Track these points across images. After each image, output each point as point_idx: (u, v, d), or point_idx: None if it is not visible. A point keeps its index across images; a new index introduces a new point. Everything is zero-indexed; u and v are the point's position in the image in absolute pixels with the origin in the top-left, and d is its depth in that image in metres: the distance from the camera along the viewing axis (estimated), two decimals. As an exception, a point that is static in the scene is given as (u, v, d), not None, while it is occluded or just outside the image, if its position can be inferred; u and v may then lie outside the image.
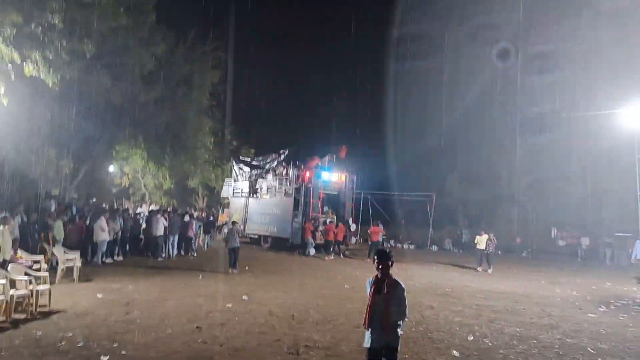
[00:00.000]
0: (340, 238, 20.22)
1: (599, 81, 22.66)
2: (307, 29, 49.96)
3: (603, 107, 14.88)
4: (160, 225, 16.30)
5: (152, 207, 24.27)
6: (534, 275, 16.64)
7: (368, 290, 4.53)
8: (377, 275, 4.51)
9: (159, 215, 16.83)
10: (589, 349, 7.14)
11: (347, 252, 21.00)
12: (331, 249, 20.02)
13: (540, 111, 27.19)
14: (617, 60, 22.06)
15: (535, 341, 7.46)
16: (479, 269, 17.01)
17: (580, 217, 27.23)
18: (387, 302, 4.35)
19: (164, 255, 16.30)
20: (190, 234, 17.85)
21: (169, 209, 18.74)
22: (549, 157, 28.70)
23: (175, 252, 16.94)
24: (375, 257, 4.53)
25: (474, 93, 31.53)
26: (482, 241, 17.03)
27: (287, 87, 42.67)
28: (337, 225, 20.48)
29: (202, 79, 21.41)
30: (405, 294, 4.46)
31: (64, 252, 11.80)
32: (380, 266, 4.47)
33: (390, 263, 4.51)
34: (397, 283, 4.47)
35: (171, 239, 16.70)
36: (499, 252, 26.16)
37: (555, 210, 28.10)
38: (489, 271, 16.60)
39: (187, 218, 18.13)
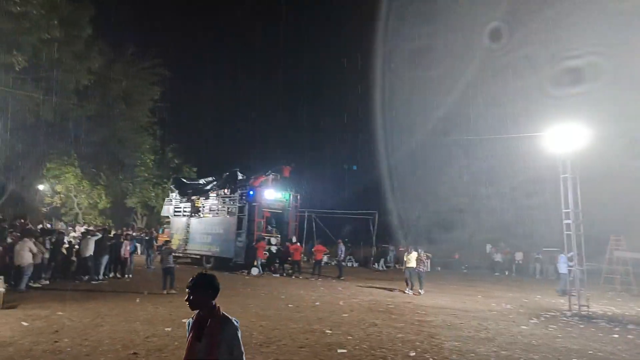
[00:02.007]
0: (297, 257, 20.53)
1: (525, 105, 24.32)
2: (252, 47, 50.17)
3: (529, 130, 15.99)
4: (90, 247, 15.49)
5: (85, 228, 23.03)
6: (470, 291, 17.30)
7: (187, 335, 3.16)
8: (197, 314, 3.17)
9: (88, 236, 16.03)
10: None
11: (290, 272, 20.90)
12: (295, 268, 20.32)
13: (474, 134, 28.65)
14: (535, 88, 23.83)
15: (473, 354, 7.73)
16: (408, 290, 15.54)
17: (512, 233, 28.76)
18: (210, 351, 3.02)
19: (97, 278, 15.45)
20: (124, 255, 17.09)
21: (96, 229, 17.80)
22: (484, 177, 30.23)
23: (102, 275, 16.05)
24: (187, 288, 3.16)
25: (415, 118, 32.79)
26: (411, 259, 15.75)
27: (231, 106, 42.41)
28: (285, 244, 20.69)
29: (141, 95, 20.77)
30: (239, 334, 3.15)
31: (-15, 277, 10.87)
32: (194, 300, 3.13)
33: (209, 294, 3.18)
34: (225, 322, 3.14)
35: (101, 261, 15.86)
36: (439, 268, 27.19)
37: (490, 227, 29.51)
38: (421, 292, 15.37)
39: (120, 238, 17.39)
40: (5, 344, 7.48)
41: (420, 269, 15.65)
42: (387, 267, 27.73)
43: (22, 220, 18.13)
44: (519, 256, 26.76)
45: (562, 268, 15.71)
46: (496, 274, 25.89)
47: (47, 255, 14.53)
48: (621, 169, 20.82)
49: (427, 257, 16.21)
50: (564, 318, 11.79)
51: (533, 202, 26.86)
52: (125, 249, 17.13)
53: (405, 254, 16.25)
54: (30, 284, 13.38)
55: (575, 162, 12.62)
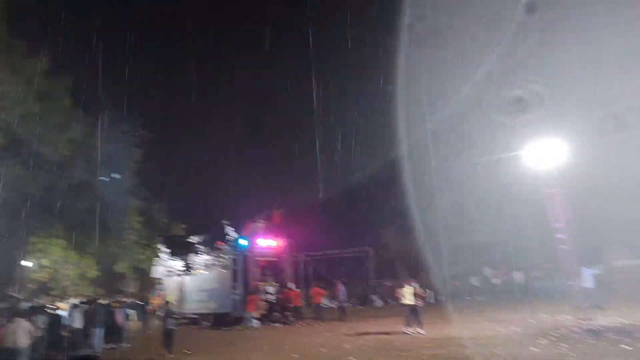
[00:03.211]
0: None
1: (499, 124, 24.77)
2: (232, 95, 50.99)
3: (507, 150, 16.30)
4: (76, 319, 15.00)
5: (74, 300, 22.36)
6: (476, 317, 17.01)
7: None
8: None
9: (67, 308, 15.57)
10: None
11: (292, 319, 20.40)
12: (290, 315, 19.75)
13: (456, 159, 29.07)
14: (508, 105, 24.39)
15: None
16: (407, 329, 13.94)
17: (508, 255, 28.70)
18: None
19: (89, 351, 14.85)
20: (118, 323, 16.54)
21: (85, 300, 17.29)
22: (472, 201, 30.42)
23: (101, 346, 15.45)
24: None
25: (396, 146, 33.19)
26: (407, 294, 14.27)
27: (216, 157, 42.57)
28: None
29: (124, 158, 20.79)
30: None
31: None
32: None
33: None
34: None
35: (95, 332, 15.28)
36: (444, 298, 26.78)
37: (484, 251, 29.45)
38: (422, 332, 13.75)
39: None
40: None
41: (418, 305, 14.15)
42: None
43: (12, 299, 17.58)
44: (518, 276, 26.60)
45: (588, 282, 15.48)
46: (516, 295, 25.34)
47: (39, 334, 13.97)
48: (610, 179, 21.14)
49: (425, 292, 14.85)
50: (573, 335, 11.62)
51: (524, 221, 27.01)
52: (119, 316, 16.59)
53: (400, 290, 14.69)
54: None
55: (562, 175, 12.82)
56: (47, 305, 18.37)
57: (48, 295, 26.71)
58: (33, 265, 26.45)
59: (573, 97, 20.14)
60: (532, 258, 26.21)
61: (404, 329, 14.00)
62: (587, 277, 15.52)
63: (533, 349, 10.21)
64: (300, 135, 38.93)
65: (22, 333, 12.61)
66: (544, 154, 12.62)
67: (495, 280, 27.92)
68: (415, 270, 25.81)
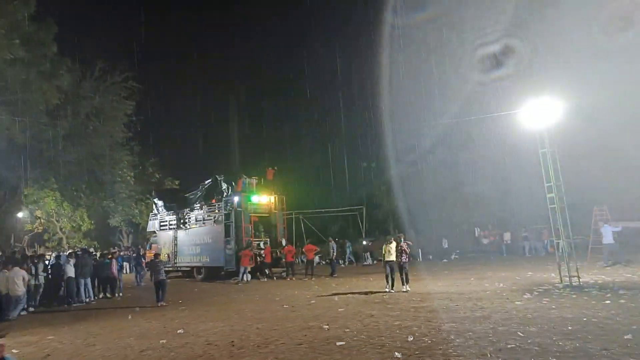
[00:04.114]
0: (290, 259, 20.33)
1: (498, 83, 24.54)
2: (228, 50, 49.90)
3: (506, 109, 16.13)
4: (68, 269, 15.22)
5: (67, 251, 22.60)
6: (463, 274, 17.40)
7: None
8: None
9: (67, 259, 15.77)
10: (519, 333, 7.52)
11: (283, 274, 20.79)
12: (289, 270, 20.07)
13: (452, 116, 28.86)
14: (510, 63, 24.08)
15: (470, 333, 7.74)
16: (389, 288, 13.40)
17: (498, 214, 29.07)
18: None
19: (80, 300, 15.17)
20: (111, 274, 16.80)
21: (77, 251, 17.44)
22: (465, 160, 30.48)
23: (91, 296, 15.78)
24: None
25: (394, 104, 32.91)
26: (391, 251, 13.61)
27: (209, 111, 42.10)
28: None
29: (114, 110, 20.39)
30: None
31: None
32: None
33: None
34: None
35: (83, 282, 15.56)
36: (430, 256, 27.34)
37: (476, 210, 29.78)
38: (407, 289, 13.25)
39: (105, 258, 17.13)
40: (-6, 373, 7.25)
41: (403, 261, 13.45)
42: (343, 263, 27.37)
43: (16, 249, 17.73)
44: (507, 236, 27.08)
45: (608, 239, 16.03)
46: (504, 255, 25.81)
47: (32, 282, 14.21)
48: (601, 140, 21.17)
49: (409, 247, 13.80)
50: (557, 290, 11.92)
51: (516, 181, 27.19)
52: (112, 268, 16.84)
53: (384, 244, 13.98)
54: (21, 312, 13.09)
55: (554, 135, 12.79)
56: (44, 255, 18.57)
57: (44, 246, 26.98)
58: (27, 217, 26.57)
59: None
60: (522, 218, 26.56)
61: (386, 288, 13.47)
62: (608, 234, 16.11)
63: (517, 302, 10.48)
64: (295, 91, 38.41)
65: (18, 280, 12.87)
66: (538, 112, 12.54)
67: (484, 240, 28.43)
68: (405, 229, 26.16)
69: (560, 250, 13.01)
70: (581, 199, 19.47)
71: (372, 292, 13.60)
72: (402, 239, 13.91)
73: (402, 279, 13.42)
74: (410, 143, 32.13)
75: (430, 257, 27.28)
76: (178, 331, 9.46)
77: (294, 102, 39.15)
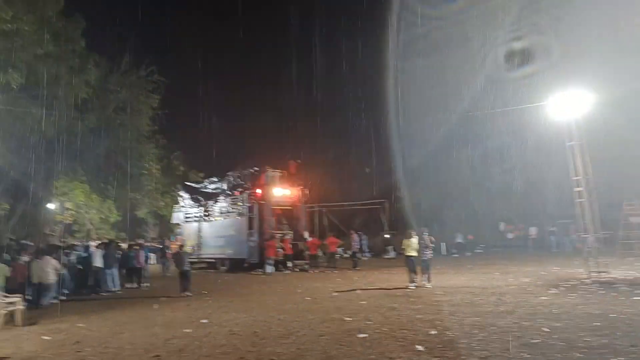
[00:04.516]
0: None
1: (523, 75, 23.97)
2: (250, 45, 50.16)
3: (530, 101, 15.77)
4: (97, 259, 15.65)
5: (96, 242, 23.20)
6: (487, 269, 17.19)
7: None
8: None
9: (94, 249, 16.24)
10: (544, 328, 7.40)
11: (306, 267, 20.92)
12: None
13: (477, 108, 28.36)
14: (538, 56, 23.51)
15: (494, 327, 7.66)
16: (412, 284, 12.74)
17: (524, 209, 28.55)
18: None
19: (109, 289, 15.61)
20: (138, 264, 17.19)
21: (104, 242, 17.94)
22: (490, 154, 29.97)
23: (118, 285, 16.21)
24: None
25: (416, 97, 32.56)
26: (412, 246, 12.93)
27: (234, 103, 42.46)
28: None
29: (140, 104, 20.75)
30: None
31: (4, 296, 11.00)
32: None
33: None
34: None
35: (110, 272, 15.99)
36: (454, 250, 27.04)
37: (501, 205, 29.30)
38: (428, 285, 12.75)
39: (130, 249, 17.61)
40: (29, 358, 7.53)
41: (426, 256, 12.94)
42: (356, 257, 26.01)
43: (36, 240, 18.34)
44: (533, 231, 26.58)
45: None
46: (530, 249, 25.29)
47: (63, 271, 14.66)
48: (632, 133, 20.51)
49: (427, 243, 13.13)
50: (584, 286, 11.67)
51: (542, 174, 26.61)
52: (138, 259, 17.24)
53: (404, 240, 13.35)
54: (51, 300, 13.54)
55: (582, 128, 12.47)
56: (74, 245, 19.10)
57: (73, 236, 27.72)
58: (57, 208, 27.32)
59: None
60: (549, 213, 26.03)
61: (409, 284, 12.84)
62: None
63: (542, 297, 10.31)
64: (320, 85, 38.32)
65: (50, 269, 13.31)
66: (566, 104, 12.23)
67: (509, 234, 27.99)
68: (429, 223, 25.95)
69: (589, 246, 12.71)
70: (610, 194, 18.95)
71: (394, 286, 13.57)
72: (425, 234, 13.34)
73: (424, 274, 12.96)
74: (434, 135, 31.76)
75: (454, 251, 27.00)
76: (202, 321, 9.64)
77: (318, 94, 39.09)
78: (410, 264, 12.97)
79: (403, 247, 13.33)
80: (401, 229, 30.09)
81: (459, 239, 27.37)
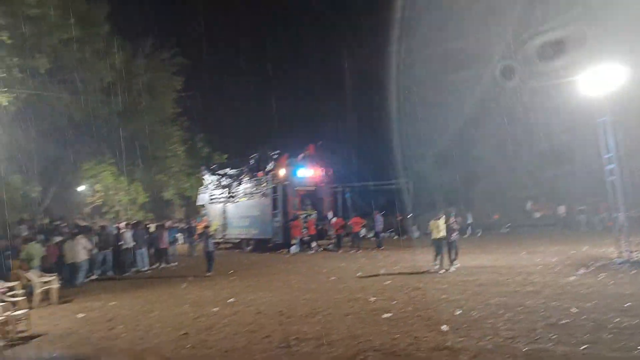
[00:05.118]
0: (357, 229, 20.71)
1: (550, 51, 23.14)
2: (270, 28, 49.81)
3: (560, 77, 15.19)
4: (126, 239, 16.11)
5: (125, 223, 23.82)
6: (514, 249, 16.94)
7: None
8: None
9: (123, 230, 16.68)
10: (572, 309, 7.29)
11: (330, 247, 21.05)
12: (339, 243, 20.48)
13: (503, 87, 27.63)
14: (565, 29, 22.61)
15: (520, 307, 7.58)
16: (439, 266, 12.24)
17: (552, 187, 27.89)
18: None
19: (133, 269, 16.05)
20: (163, 245, 17.57)
21: (132, 223, 18.42)
22: (515, 131, 29.27)
23: (146, 265, 16.65)
24: None
25: (442, 74, 31.92)
26: (439, 227, 12.38)
27: (254, 87, 42.45)
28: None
29: (164, 87, 20.96)
30: None
31: (40, 275, 11.44)
32: None
33: None
34: None
35: (139, 253, 16.43)
36: (479, 231, 26.71)
37: (528, 183, 28.71)
38: (454, 267, 12.34)
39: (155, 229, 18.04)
40: (65, 334, 7.85)
41: (453, 238, 12.42)
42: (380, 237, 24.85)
43: (68, 221, 18.95)
44: (561, 210, 26.01)
45: None
46: (559, 228, 24.73)
47: (94, 252, 15.13)
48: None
49: (452, 225, 12.58)
50: (614, 266, 11.39)
51: (572, 153, 25.88)
52: (163, 239, 17.60)
53: (432, 220, 12.74)
54: (84, 279, 14.02)
55: (615, 104, 11.99)
56: (104, 226, 19.66)
57: (103, 218, 28.54)
58: (87, 190, 28.09)
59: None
60: (578, 191, 25.38)
61: (434, 265, 12.39)
62: None
63: (570, 277, 10.13)
64: (342, 64, 37.84)
65: (81, 250, 13.76)
66: (598, 79, 11.75)
67: (536, 213, 27.47)
68: (454, 202, 25.65)
69: (620, 225, 12.36)
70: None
71: (418, 266, 13.53)
72: (452, 214, 12.78)
73: (450, 257, 12.43)
74: (460, 112, 31.15)
75: (479, 231, 26.69)
76: (229, 300, 9.83)
77: (340, 74, 38.63)
78: (438, 247, 12.44)
79: (430, 228, 12.77)
80: (425, 209, 29.93)
81: (469, 220, 26.79)
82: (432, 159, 33.03)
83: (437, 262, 12.36)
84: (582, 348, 5.49)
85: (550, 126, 26.59)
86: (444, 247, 12.38)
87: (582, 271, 10.86)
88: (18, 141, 15.09)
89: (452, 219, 12.57)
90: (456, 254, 12.53)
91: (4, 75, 11.67)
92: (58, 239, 14.75)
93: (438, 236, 12.39)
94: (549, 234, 21.90)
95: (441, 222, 12.43)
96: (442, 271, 12.07)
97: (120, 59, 17.29)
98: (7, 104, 11.97)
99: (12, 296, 9.09)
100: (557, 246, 16.57)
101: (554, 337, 5.93)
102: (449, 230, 12.37)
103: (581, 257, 13.45)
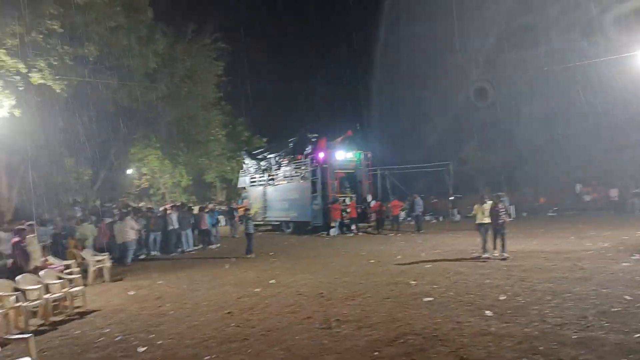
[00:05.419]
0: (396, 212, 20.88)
1: (606, 24, 21.80)
2: (309, 12, 49.43)
3: (614, 53, 14.25)
4: (172, 221, 16.66)
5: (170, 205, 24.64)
6: (561, 233, 16.35)
7: None
8: None
9: (170, 212, 17.21)
10: (625, 296, 6.99)
11: (369, 229, 21.04)
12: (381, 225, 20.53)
13: (552, 64, 26.35)
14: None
15: (569, 294, 7.33)
16: (486, 253, 11.47)
17: (603, 170, 26.61)
18: None
19: (179, 250, 16.58)
20: (203, 226, 18.02)
21: (176, 205, 19.00)
22: (564, 112, 27.97)
23: (191, 246, 17.16)
24: None
25: (484, 55, 30.84)
26: (485, 212, 11.65)
27: (293, 71, 42.40)
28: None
29: (206, 72, 21.32)
30: None
31: (93, 254, 12.05)
32: None
33: None
34: None
35: (184, 234, 16.94)
36: (524, 213, 25.91)
37: (577, 165, 27.50)
38: (502, 255, 11.30)
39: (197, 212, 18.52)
40: (117, 310, 8.25)
41: (500, 223, 11.32)
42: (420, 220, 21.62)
43: (117, 203, 19.84)
44: (613, 193, 24.80)
45: None
46: (611, 212, 23.48)
47: (142, 232, 15.76)
48: None
49: (500, 209, 11.46)
50: (672, 252, 10.81)
51: (625, 134, 24.51)
52: (204, 221, 18.05)
53: (476, 205, 12.05)
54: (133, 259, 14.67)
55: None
56: (150, 208, 20.46)
57: (150, 200, 29.67)
58: (134, 173, 29.24)
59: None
60: (631, 173, 24.10)
61: (482, 253, 11.54)
62: None
63: (623, 263, 9.69)
64: (380, 49, 37.14)
65: (130, 230, 14.37)
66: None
67: (586, 196, 26.35)
68: (497, 186, 24.96)
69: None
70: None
71: (459, 250, 13.30)
72: (503, 199, 11.80)
73: (498, 243, 11.45)
74: (504, 90, 30.05)
75: (525, 214, 25.91)
76: (270, 281, 10.03)
77: (379, 54, 37.97)
78: (483, 232, 11.67)
79: (474, 212, 12.03)
80: (466, 192, 29.29)
81: (615, 194, 25.42)
82: (474, 140, 32.15)
83: (485, 248, 11.58)
84: (636, 336, 5.27)
85: (602, 104, 25.24)
86: (490, 232, 11.61)
87: (637, 257, 10.36)
88: (70, 126, 15.82)
89: (500, 205, 11.59)
90: (504, 241, 11.36)
91: (57, 63, 12.18)
92: (109, 220, 15.45)
93: (483, 221, 11.67)
94: (600, 218, 20.96)
95: (487, 206, 11.69)
96: (485, 255, 11.48)
97: (163, 44, 17.69)
98: (60, 91, 12.51)
99: (69, 274, 9.63)
100: (608, 231, 15.86)
101: (605, 325, 5.72)
102: (496, 215, 11.34)
103: (635, 242, 12.82)
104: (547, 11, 25.72)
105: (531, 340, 5.36)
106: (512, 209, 25.00)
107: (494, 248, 11.50)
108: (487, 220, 11.54)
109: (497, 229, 11.37)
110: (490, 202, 11.68)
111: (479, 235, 11.85)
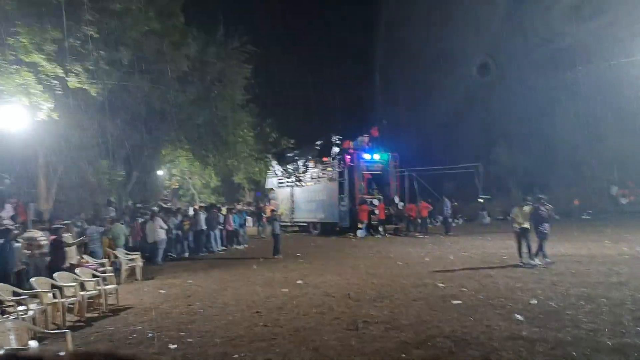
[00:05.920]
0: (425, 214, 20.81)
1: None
2: (334, 12, 49.44)
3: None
4: (201, 222, 16.92)
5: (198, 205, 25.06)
6: (596, 236, 15.88)
7: None
8: None
9: (199, 213, 17.52)
10: (664, 303, 6.75)
11: (397, 231, 20.93)
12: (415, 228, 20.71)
13: (586, 63, 25.60)
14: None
15: (604, 300, 7.12)
16: (524, 260, 10.62)
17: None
18: None
19: (205, 250, 16.82)
20: (229, 227, 18.22)
21: (205, 206, 19.32)
22: (600, 112, 27.13)
23: (219, 246, 17.41)
24: None
25: (514, 52, 30.25)
26: (525, 216, 10.88)
27: (320, 73, 42.49)
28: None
29: (235, 74, 21.64)
30: None
31: (125, 253, 12.38)
32: None
33: None
34: None
35: (212, 235, 17.20)
36: (557, 216, 25.17)
37: (613, 167, 26.63)
38: (540, 261, 10.49)
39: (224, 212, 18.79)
40: (148, 308, 8.46)
41: (542, 229, 10.56)
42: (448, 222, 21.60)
43: (149, 203, 20.34)
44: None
45: None
46: None
47: (173, 232, 16.08)
48: None
49: (542, 211, 10.75)
50: None
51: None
52: (229, 222, 18.26)
53: (515, 209, 11.39)
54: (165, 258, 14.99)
55: None
56: (180, 208, 20.89)
57: (180, 200, 30.30)
58: (165, 174, 29.88)
59: None
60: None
61: (520, 259, 10.73)
62: None
63: (662, 269, 9.35)
64: (408, 50, 36.86)
65: (160, 230, 14.69)
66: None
67: (622, 199, 25.49)
68: (528, 187, 24.39)
69: None
70: None
71: (489, 253, 13.09)
72: (546, 204, 10.95)
73: (537, 250, 10.63)
74: (537, 89, 29.34)
75: (557, 217, 25.21)
76: (298, 282, 10.09)
77: (409, 57, 37.70)
78: (521, 237, 10.85)
79: (513, 216, 11.30)
80: (496, 194, 28.75)
81: (624, 201, 24.86)
82: (505, 140, 31.54)
83: (523, 257, 10.77)
84: (675, 345, 5.08)
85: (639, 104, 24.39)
86: (529, 237, 10.79)
87: (675, 263, 9.99)
88: (105, 129, 16.33)
89: (542, 208, 10.82)
90: (543, 248, 10.63)
91: (93, 67, 12.61)
92: (141, 220, 15.84)
93: (523, 225, 10.86)
94: (638, 222, 20.22)
95: (527, 210, 10.94)
96: (532, 262, 10.48)
97: (194, 49, 18.06)
98: (95, 94, 12.94)
99: (103, 272, 9.93)
100: (646, 235, 15.31)
101: (642, 332, 5.54)
102: (539, 219, 10.61)
103: (675, 247, 12.35)
104: (585, 8, 25.02)
105: (564, 345, 5.24)
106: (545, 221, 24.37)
107: (536, 255, 10.67)
108: (527, 224, 10.82)
109: (539, 235, 10.64)
110: (530, 205, 11.02)
111: (515, 240, 11.08)
